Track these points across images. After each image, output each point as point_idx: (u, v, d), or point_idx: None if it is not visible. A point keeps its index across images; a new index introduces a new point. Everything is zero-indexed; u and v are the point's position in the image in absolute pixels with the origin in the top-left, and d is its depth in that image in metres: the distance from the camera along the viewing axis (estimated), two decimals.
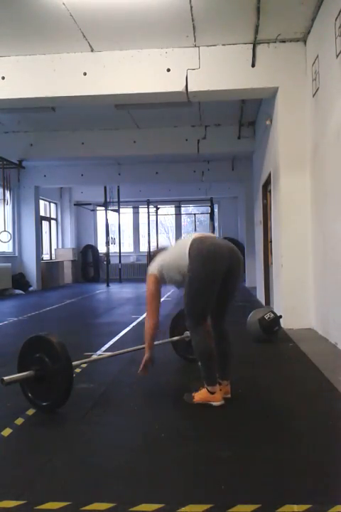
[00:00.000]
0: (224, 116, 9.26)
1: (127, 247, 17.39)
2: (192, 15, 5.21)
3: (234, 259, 3.00)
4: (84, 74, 6.07)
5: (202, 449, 2.41)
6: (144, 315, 6.92)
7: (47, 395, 2.90)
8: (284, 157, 5.96)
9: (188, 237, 3.11)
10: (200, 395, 3.02)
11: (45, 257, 15.12)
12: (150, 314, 3.15)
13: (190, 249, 2.97)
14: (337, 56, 4.45)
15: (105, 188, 14.45)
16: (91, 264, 16.84)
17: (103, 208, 14.90)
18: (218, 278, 2.93)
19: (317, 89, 5.26)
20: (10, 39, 5.76)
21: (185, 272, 3.00)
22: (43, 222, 14.91)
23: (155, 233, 16.27)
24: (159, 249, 3.36)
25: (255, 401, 3.17)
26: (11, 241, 12.46)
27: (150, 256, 3.33)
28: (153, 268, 3.17)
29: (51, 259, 15.45)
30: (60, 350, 2.86)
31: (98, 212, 16.74)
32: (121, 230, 15.92)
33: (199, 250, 2.94)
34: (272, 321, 4.97)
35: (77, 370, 3.80)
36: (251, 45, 5.84)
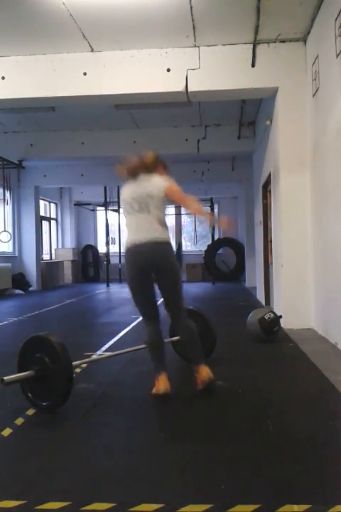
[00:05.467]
0: (224, 116, 9.26)
1: None
2: (192, 15, 5.20)
3: (157, 261, 3.17)
4: (84, 74, 6.06)
5: (202, 449, 2.41)
6: None
7: (47, 395, 2.90)
8: (284, 157, 5.95)
9: (131, 231, 3.24)
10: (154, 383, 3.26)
11: (45, 257, 15.11)
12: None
13: (124, 248, 3.26)
14: (337, 56, 4.45)
15: (105, 188, 14.44)
16: (91, 264, 16.83)
17: (103, 208, 14.90)
18: (142, 281, 3.19)
19: (317, 89, 5.26)
20: (10, 39, 5.76)
21: None
22: (43, 222, 14.90)
23: None
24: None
25: (255, 401, 3.17)
26: (11, 241, 12.45)
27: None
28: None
29: (51, 259, 15.44)
30: (60, 350, 2.87)
31: (98, 212, 16.73)
32: (121, 230, 15.90)
33: (126, 258, 3.23)
34: (272, 321, 4.97)
35: (77, 370, 3.80)
36: (251, 45, 5.84)
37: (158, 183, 3.28)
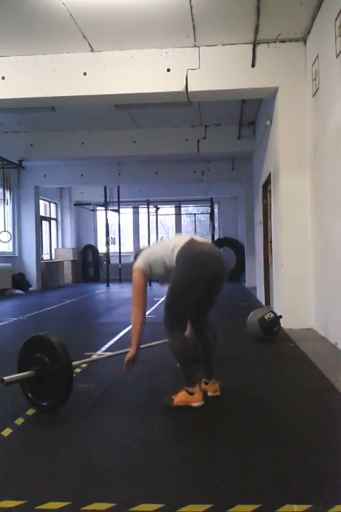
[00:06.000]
0: (224, 116, 9.27)
1: (127, 247, 17.38)
2: (192, 15, 5.21)
3: (220, 268, 3.02)
4: (84, 74, 6.07)
5: (202, 449, 2.41)
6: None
7: (47, 395, 2.90)
8: (284, 157, 5.95)
9: (178, 239, 3.10)
10: (180, 397, 3.00)
11: (45, 257, 15.12)
12: (138, 309, 3.08)
13: (178, 253, 2.97)
14: (337, 56, 4.45)
15: (105, 188, 14.45)
16: (91, 264, 16.84)
17: (103, 208, 14.90)
18: (202, 287, 2.96)
19: (317, 89, 5.26)
20: (10, 39, 5.76)
21: (170, 268, 3.02)
22: (43, 222, 14.91)
23: (155, 233, 16.26)
24: (142, 249, 3.35)
25: (255, 401, 3.17)
26: (11, 241, 12.46)
27: (134, 255, 3.36)
28: (139, 262, 3.14)
29: (51, 259, 15.45)
30: (60, 350, 2.86)
31: (98, 212, 16.74)
32: (121, 230, 15.91)
33: (187, 258, 2.95)
34: (272, 321, 4.97)
35: (77, 370, 3.80)
36: (251, 45, 5.84)
37: None
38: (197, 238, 3.11)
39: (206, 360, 3.23)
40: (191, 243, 3.01)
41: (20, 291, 12.14)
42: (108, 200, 14.57)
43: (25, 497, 1.94)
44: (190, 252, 2.96)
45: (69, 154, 10.50)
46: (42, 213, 14.59)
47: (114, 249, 15.83)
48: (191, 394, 2.98)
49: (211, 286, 3.01)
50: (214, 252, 3.05)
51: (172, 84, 6.01)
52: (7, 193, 11.75)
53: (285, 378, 3.75)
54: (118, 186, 14.48)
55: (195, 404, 2.96)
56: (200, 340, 3.23)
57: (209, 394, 3.18)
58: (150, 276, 3.19)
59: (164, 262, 3.05)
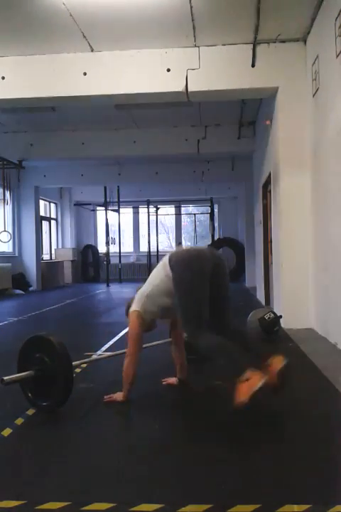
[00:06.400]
0: (224, 116, 9.26)
1: (127, 247, 17.39)
2: (192, 15, 5.20)
3: (217, 260, 3.00)
4: (84, 74, 6.06)
5: (202, 449, 2.41)
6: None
7: (47, 395, 2.90)
8: (284, 157, 5.95)
9: (160, 264, 3.10)
10: (243, 390, 2.57)
11: (45, 257, 15.12)
12: (132, 361, 3.05)
13: (170, 261, 2.96)
14: (337, 56, 4.45)
15: (105, 188, 14.45)
16: (91, 264, 16.84)
17: (103, 208, 14.91)
18: (205, 275, 2.86)
19: (317, 89, 5.26)
20: (10, 39, 5.76)
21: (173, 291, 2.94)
22: (43, 222, 14.90)
23: (155, 233, 16.26)
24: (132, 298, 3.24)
25: (255, 401, 3.16)
26: (11, 241, 12.46)
27: (127, 306, 3.26)
28: (135, 305, 3.07)
29: (51, 259, 15.44)
30: (60, 350, 2.87)
31: (98, 212, 16.74)
32: (121, 230, 15.91)
33: (180, 255, 2.99)
34: (272, 321, 4.97)
35: (77, 370, 3.80)
36: (251, 45, 5.83)
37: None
38: (204, 248, 3.15)
39: (249, 350, 2.97)
40: (180, 248, 3.13)
41: (20, 291, 12.13)
42: (108, 200, 14.57)
43: (25, 497, 1.94)
44: (182, 252, 3.04)
45: (69, 154, 10.49)
46: (42, 213, 14.59)
47: (114, 249, 15.83)
48: (248, 379, 2.56)
49: (216, 283, 2.91)
50: (206, 248, 3.10)
51: (172, 84, 6.01)
52: (7, 193, 11.75)
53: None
54: (118, 186, 14.49)
55: (259, 384, 2.52)
56: (234, 338, 2.96)
57: (279, 365, 2.76)
58: (148, 320, 3.10)
59: (166, 284, 2.96)
